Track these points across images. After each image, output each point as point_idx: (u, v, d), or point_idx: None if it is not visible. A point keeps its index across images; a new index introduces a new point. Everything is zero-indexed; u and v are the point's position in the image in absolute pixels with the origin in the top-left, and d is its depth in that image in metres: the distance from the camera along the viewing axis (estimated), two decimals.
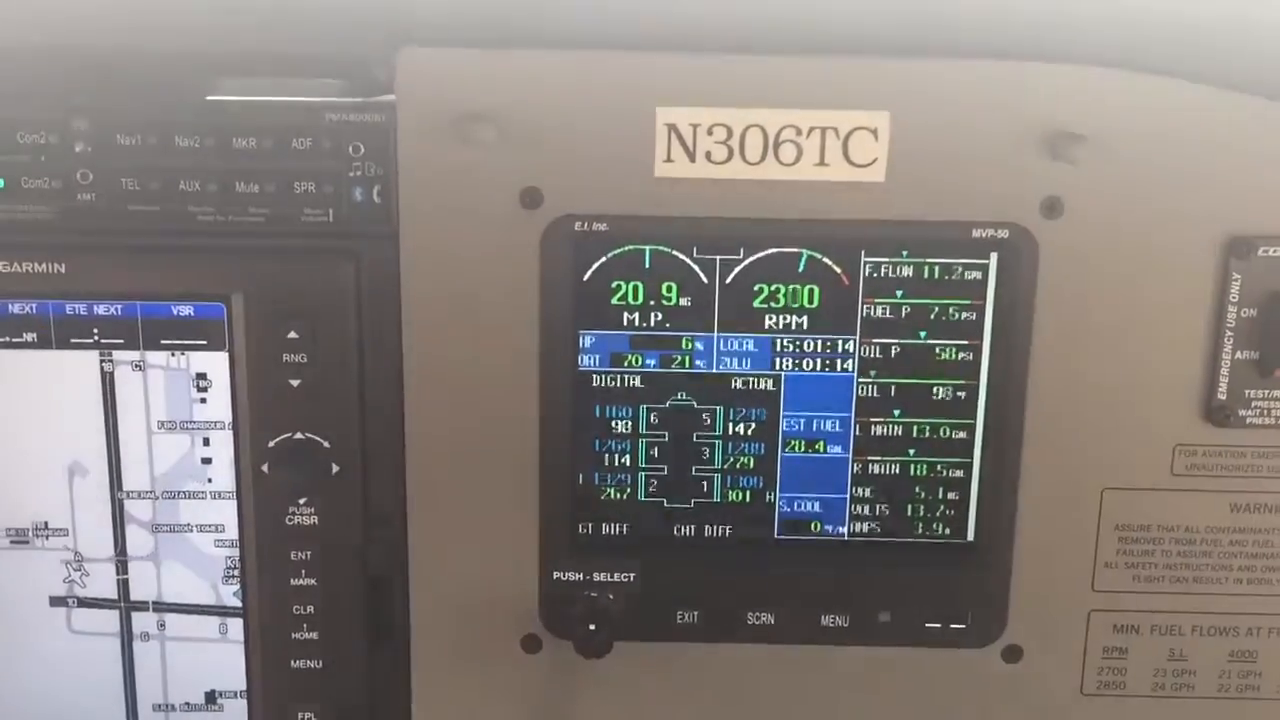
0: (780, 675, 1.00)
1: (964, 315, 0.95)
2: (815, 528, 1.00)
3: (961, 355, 0.96)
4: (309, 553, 0.97)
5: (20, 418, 0.95)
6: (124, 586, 0.99)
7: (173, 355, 0.94)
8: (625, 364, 0.97)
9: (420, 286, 0.93)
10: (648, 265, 0.95)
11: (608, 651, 0.96)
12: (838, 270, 0.95)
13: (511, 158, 0.90)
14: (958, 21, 0.90)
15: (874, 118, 0.89)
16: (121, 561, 0.98)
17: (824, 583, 0.99)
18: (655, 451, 0.99)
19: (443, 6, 0.90)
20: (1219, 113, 0.89)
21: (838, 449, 0.98)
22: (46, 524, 0.98)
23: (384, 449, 0.96)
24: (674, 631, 0.99)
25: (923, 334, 0.96)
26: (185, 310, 0.94)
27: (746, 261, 0.95)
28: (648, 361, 0.97)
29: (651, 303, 0.96)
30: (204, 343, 0.94)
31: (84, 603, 0.99)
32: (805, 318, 0.96)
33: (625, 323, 0.96)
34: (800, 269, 0.95)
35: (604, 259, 0.94)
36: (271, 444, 0.95)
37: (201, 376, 0.95)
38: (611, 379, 0.97)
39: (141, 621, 1.00)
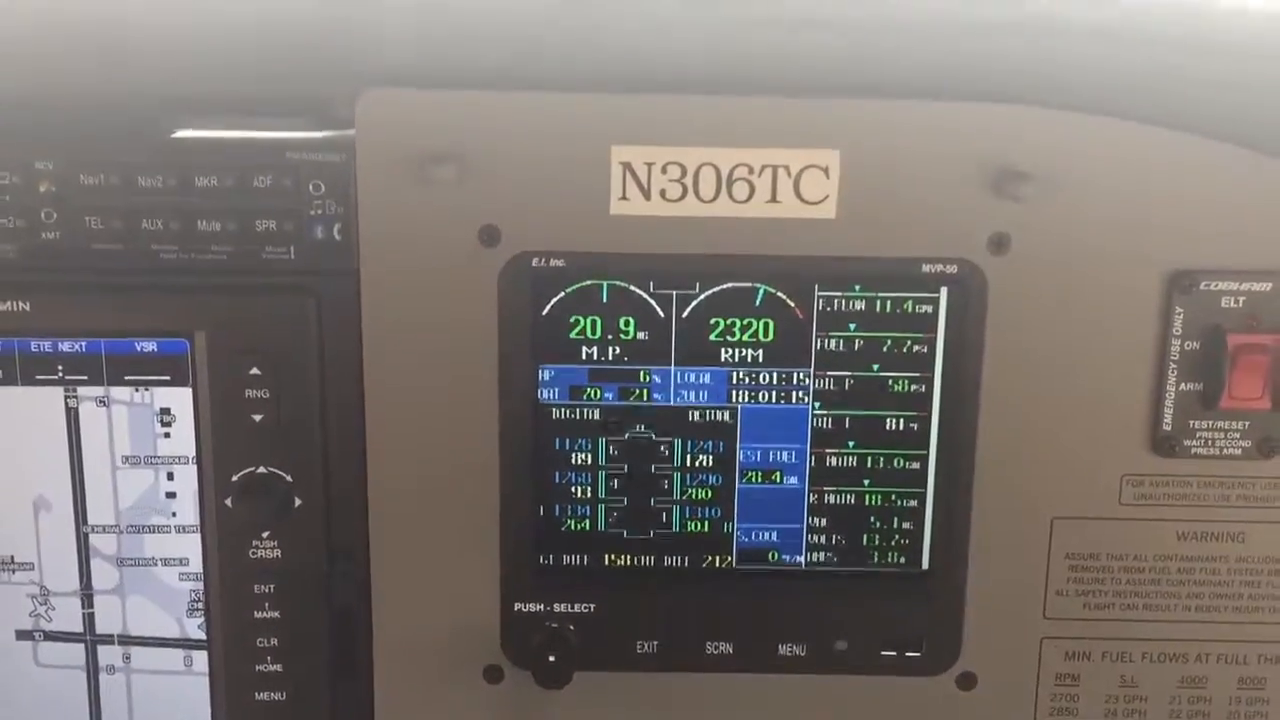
0: (739, 705, 1.01)
1: (915, 348, 0.97)
2: (773, 557, 1.02)
3: (914, 387, 0.98)
4: (272, 586, 0.98)
5: None
6: (89, 620, 1.00)
7: (136, 391, 0.96)
8: (584, 397, 0.98)
9: (381, 322, 0.94)
10: (605, 300, 0.96)
11: (568, 682, 0.97)
12: (792, 304, 0.96)
13: (470, 196, 0.92)
14: (906, 63, 0.92)
15: (825, 156, 0.91)
16: (87, 595, 0.99)
17: (781, 612, 1.00)
18: (614, 483, 1.00)
19: (401, 48, 0.91)
20: (1161, 151, 0.91)
21: (794, 480, 1.00)
22: (12, 558, 0.98)
23: (346, 483, 0.97)
24: (634, 661, 1.00)
25: (875, 366, 0.97)
26: (149, 346, 0.95)
27: (702, 296, 0.96)
28: (606, 394, 0.98)
29: (609, 337, 0.97)
30: (167, 378, 0.95)
31: (50, 636, 1.00)
32: (760, 351, 0.97)
33: (584, 356, 0.98)
34: (756, 303, 0.96)
35: (562, 294, 0.96)
36: (235, 478, 0.96)
37: (165, 412, 0.96)
38: (570, 412, 0.99)
39: (107, 654, 1.00)
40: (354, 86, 0.90)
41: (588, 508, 1.00)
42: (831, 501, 1.00)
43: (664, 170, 0.91)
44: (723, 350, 0.97)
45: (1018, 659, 1.01)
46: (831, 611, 1.00)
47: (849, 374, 0.98)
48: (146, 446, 0.97)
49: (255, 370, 0.94)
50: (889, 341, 0.97)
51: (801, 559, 1.01)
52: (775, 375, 0.98)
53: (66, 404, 0.96)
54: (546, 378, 0.98)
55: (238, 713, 1.00)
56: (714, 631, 1.00)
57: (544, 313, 0.96)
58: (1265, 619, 1.00)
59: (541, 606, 0.99)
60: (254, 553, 0.97)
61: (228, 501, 0.96)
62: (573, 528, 1.01)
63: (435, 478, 0.97)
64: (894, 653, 1.00)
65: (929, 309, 0.96)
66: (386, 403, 0.95)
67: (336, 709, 1.01)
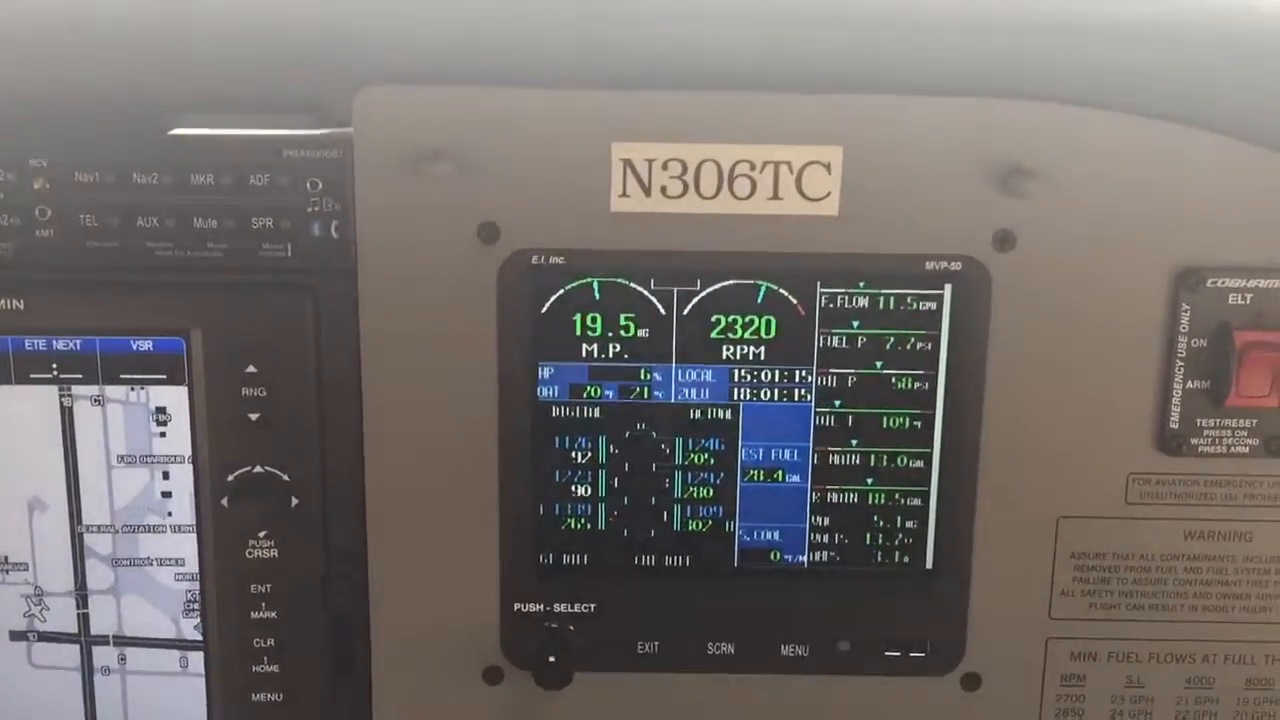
0: (740, 706, 1.01)
1: (919, 345, 0.96)
2: (775, 557, 1.01)
3: (917, 385, 0.97)
4: (269, 586, 0.97)
5: None
6: (84, 621, 0.99)
7: (132, 390, 0.95)
8: (584, 395, 0.97)
9: (379, 320, 0.93)
10: (606, 297, 0.95)
11: (568, 683, 0.96)
12: (794, 301, 0.96)
13: (468, 193, 0.91)
14: (909, 58, 0.91)
15: (827, 152, 0.90)
16: (82, 595, 0.99)
17: (784, 612, 0.99)
18: (615, 482, 0.99)
19: (400, 45, 0.90)
20: (1167, 147, 0.90)
21: (796, 478, 0.99)
22: (6, 558, 0.98)
23: (344, 482, 0.96)
24: (634, 662, 1.00)
25: (879, 364, 0.97)
26: (144, 345, 0.94)
27: (703, 293, 0.95)
28: (607, 392, 0.97)
29: (610, 334, 0.96)
30: (163, 377, 0.94)
31: (44, 637, 0.99)
32: (762, 348, 0.97)
33: (584, 354, 0.97)
34: (758, 300, 0.95)
35: (562, 292, 0.95)
36: (231, 478, 0.95)
37: (161, 410, 0.95)
38: (570, 410, 0.98)
39: (102, 655, 1.00)
40: (352, 84, 0.89)
41: (588, 506, 0.99)
42: (834, 500, 0.99)
43: (665, 167, 0.90)
44: (724, 348, 0.96)
45: (1023, 659, 1.00)
46: (834, 611, 0.99)
47: (852, 372, 0.97)
48: (142, 446, 0.96)
49: (252, 369, 0.93)
50: (892, 339, 0.96)
51: (804, 558, 1.01)
52: (777, 373, 0.97)
53: (61, 403, 0.95)
54: (546, 376, 0.97)
55: (234, 714, 1.00)
56: (715, 632, 0.99)
57: (543, 310, 0.95)
58: (1273, 619, 0.99)
59: (541, 607, 0.99)
60: (251, 553, 0.96)
61: (224, 501, 0.96)
62: (573, 527, 1.00)
63: (434, 476, 0.96)
64: (898, 653, 0.99)
65: (933, 306, 0.95)
66: (385, 401, 0.94)
67: (334, 711, 1.00)
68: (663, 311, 0.96)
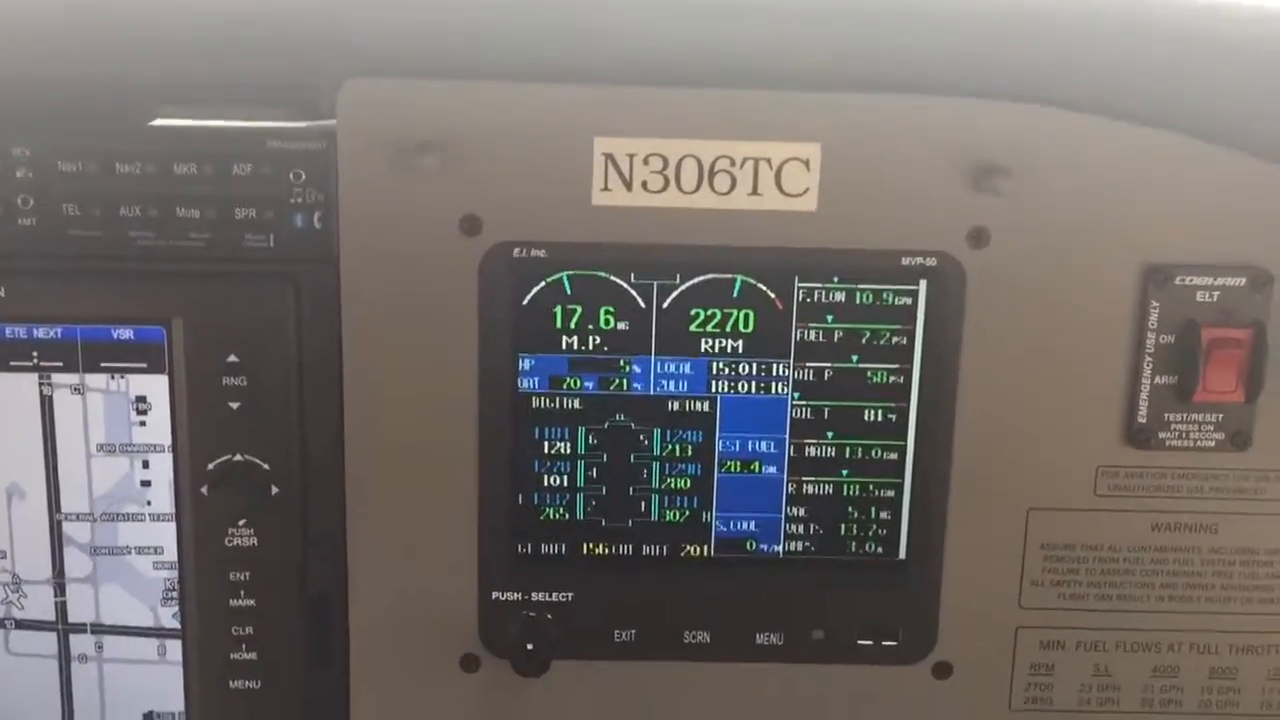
0: (716, 693, 1.02)
1: (894, 340, 0.98)
2: (751, 547, 1.02)
3: (892, 378, 0.98)
4: (248, 574, 0.97)
5: None
6: (62, 609, 0.99)
7: (112, 378, 0.95)
8: (564, 386, 0.98)
9: (360, 311, 0.94)
10: (586, 290, 0.96)
11: (545, 670, 0.97)
12: (772, 295, 0.97)
13: (451, 186, 0.91)
14: (887, 57, 0.92)
15: (806, 149, 0.91)
16: (59, 584, 0.99)
17: (759, 601, 1.01)
18: (594, 472, 1.00)
19: (385, 38, 0.91)
20: (1137, 148, 0.92)
21: (772, 469, 1.00)
22: None
23: (323, 471, 0.97)
24: (611, 650, 1.01)
25: (855, 358, 0.98)
26: (125, 334, 0.94)
27: (683, 287, 0.96)
28: (586, 384, 0.98)
29: (590, 326, 0.97)
30: (144, 366, 0.95)
31: (21, 625, 0.99)
32: (740, 341, 0.98)
33: (564, 346, 0.98)
34: (735, 294, 0.97)
35: (543, 284, 0.96)
36: (211, 466, 0.95)
37: (141, 399, 0.95)
38: (550, 401, 0.99)
39: (79, 643, 1.00)
40: (336, 76, 0.90)
41: (566, 496, 1.00)
42: (810, 491, 1.01)
43: (646, 161, 0.91)
44: (703, 341, 0.98)
45: (993, 648, 1.02)
46: (809, 600, 1.01)
47: (828, 365, 0.98)
48: (122, 434, 0.96)
49: (233, 358, 0.94)
50: (868, 333, 0.97)
51: (779, 548, 1.02)
52: (755, 366, 0.98)
53: (41, 391, 0.95)
54: (527, 367, 0.98)
55: (212, 701, 1.00)
56: (692, 620, 1.00)
57: (524, 302, 0.96)
58: (1237, 609, 1.01)
59: (519, 595, 1.00)
60: (230, 541, 0.97)
61: (204, 489, 0.96)
62: (551, 516, 1.01)
63: (414, 466, 0.96)
64: (870, 642, 1.01)
65: (908, 301, 0.97)
66: (365, 391, 0.95)
67: (312, 698, 1.01)
68: (642, 304, 0.97)
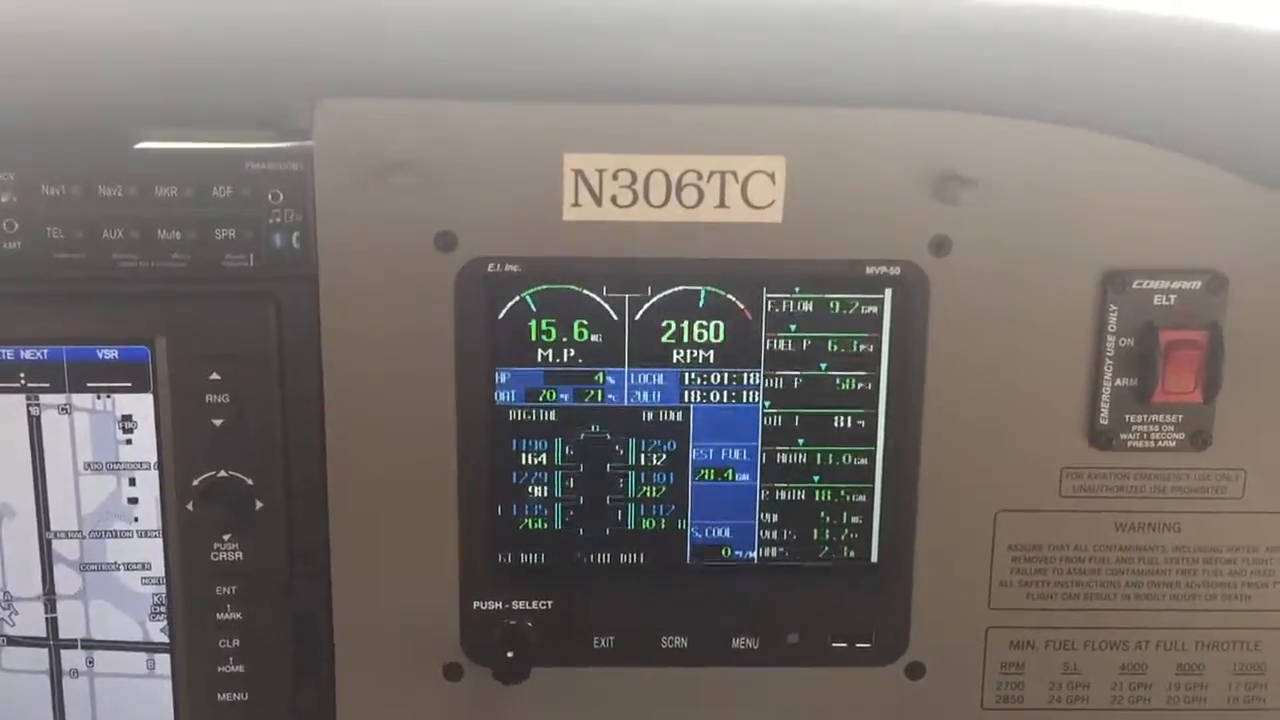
0: (694, 698, 1.04)
1: (861, 347, 1.00)
2: (726, 553, 1.04)
3: (860, 385, 1.01)
4: (234, 588, 0.99)
5: None
6: (52, 625, 1.01)
7: (98, 398, 0.97)
8: (540, 399, 1.00)
9: (340, 327, 0.96)
10: (560, 304, 0.98)
11: (526, 677, 0.99)
12: (741, 306, 0.99)
13: (426, 203, 0.94)
14: (849, 71, 0.94)
15: (771, 162, 0.94)
16: (50, 600, 1.00)
17: (735, 606, 1.03)
18: (571, 482, 1.02)
19: (359, 60, 0.93)
20: (1094, 156, 0.95)
21: (745, 477, 1.02)
22: None
23: (306, 485, 0.99)
24: (591, 656, 1.02)
25: (823, 365, 1.00)
26: (110, 354, 0.96)
27: (654, 299, 0.99)
28: (562, 396, 1.00)
29: (564, 339, 0.99)
30: (129, 385, 0.96)
31: (13, 641, 1.01)
32: (711, 352, 1.00)
33: (540, 359, 1.00)
34: (705, 305, 0.99)
35: (517, 299, 0.98)
36: (196, 482, 0.97)
37: (127, 418, 0.97)
38: (527, 413, 1.01)
39: (70, 659, 1.01)
40: (312, 97, 0.92)
41: (545, 507, 1.02)
42: (782, 498, 1.03)
43: (615, 177, 0.94)
44: (675, 351, 1.00)
45: (964, 648, 1.03)
46: (783, 605, 1.02)
47: (798, 373, 1.00)
48: (108, 453, 0.98)
49: (215, 375, 0.96)
50: (835, 342, 1.00)
51: (754, 554, 1.04)
52: (726, 375, 1.00)
53: (29, 411, 0.97)
54: (503, 380, 1.00)
55: (200, 714, 1.01)
56: (669, 626, 1.02)
57: (500, 316, 0.98)
58: (1201, 606, 1.03)
59: (500, 604, 1.01)
60: (216, 555, 0.98)
61: (189, 506, 0.97)
62: (530, 526, 1.03)
63: (395, 480, 0.98)
64: (844, 644, 1.03)
65: (874, 310, 0.99)
66: (346, 406, 0.97)
67: (299, 709, 1.02)
68: (615, 317, 0.99)
